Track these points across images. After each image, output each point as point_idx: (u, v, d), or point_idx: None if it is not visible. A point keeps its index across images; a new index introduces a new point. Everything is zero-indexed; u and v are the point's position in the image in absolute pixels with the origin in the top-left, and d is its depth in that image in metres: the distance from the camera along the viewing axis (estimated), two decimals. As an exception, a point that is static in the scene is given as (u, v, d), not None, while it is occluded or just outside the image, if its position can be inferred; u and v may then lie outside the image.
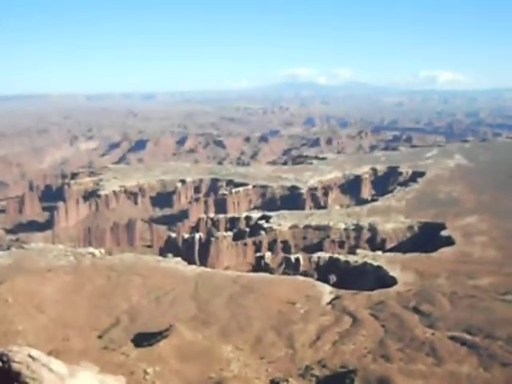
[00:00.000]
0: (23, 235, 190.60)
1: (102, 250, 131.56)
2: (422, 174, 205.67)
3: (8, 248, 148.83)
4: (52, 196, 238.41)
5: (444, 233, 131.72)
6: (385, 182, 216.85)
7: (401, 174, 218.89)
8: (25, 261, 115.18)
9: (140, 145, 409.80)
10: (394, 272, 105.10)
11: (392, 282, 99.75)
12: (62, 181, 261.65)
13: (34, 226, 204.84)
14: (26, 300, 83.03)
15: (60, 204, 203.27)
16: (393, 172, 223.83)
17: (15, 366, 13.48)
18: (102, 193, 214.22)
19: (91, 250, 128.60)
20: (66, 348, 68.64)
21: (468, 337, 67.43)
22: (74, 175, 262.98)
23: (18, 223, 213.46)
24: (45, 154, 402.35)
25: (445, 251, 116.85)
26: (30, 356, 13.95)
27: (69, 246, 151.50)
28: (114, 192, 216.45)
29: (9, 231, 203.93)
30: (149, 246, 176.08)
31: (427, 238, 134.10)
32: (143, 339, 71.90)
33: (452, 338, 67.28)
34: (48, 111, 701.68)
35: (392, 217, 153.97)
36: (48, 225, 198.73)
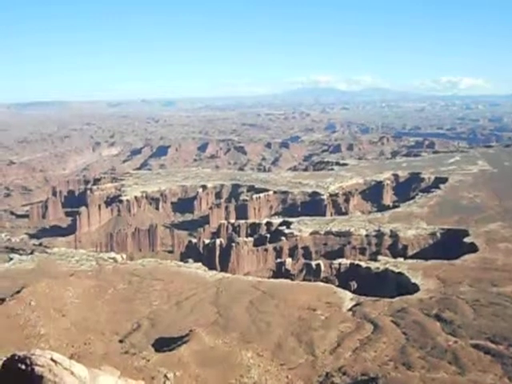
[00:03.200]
0: (46, 240, 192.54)
1: (124, 255, 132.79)
2: (444, 180, 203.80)
3: (31, 252, 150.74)
4: (75, 201, 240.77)
5: (467, 239, 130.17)
6: (407, 188, 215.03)
7: (423, 180, 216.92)
8: (48, 265, 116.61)
9: (161, 151, 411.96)
10: (415, 279, 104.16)
11: (414, 289, 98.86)
12: (84, 186, 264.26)
13: (56, 231, 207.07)
14: (49, 304, 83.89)
15: (82, 209, 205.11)
16: (415, 178, 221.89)
17: (38, 370, 13.61)
18: (123, 198, 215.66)
19: (113, 254, 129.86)
20: (88, 352, 69.21)
21: (492, 345, 66.49)
22: (96, 181, 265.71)
23: (42, 228, 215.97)
24: (67, 159, 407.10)
25: (468, 258, 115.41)
26: (52, 360, 14.05)
27: (91, 250, 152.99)
28: (136, 197, 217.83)
29: (32, 236, 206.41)
30: (170, 252, 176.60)
31: (450, 245, 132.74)
32: (164, 344, 72.21)
33: (475, 347, 66.41)
34: (70, 118, 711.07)
35: (414, 223, 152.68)
36: (71, 230, 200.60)
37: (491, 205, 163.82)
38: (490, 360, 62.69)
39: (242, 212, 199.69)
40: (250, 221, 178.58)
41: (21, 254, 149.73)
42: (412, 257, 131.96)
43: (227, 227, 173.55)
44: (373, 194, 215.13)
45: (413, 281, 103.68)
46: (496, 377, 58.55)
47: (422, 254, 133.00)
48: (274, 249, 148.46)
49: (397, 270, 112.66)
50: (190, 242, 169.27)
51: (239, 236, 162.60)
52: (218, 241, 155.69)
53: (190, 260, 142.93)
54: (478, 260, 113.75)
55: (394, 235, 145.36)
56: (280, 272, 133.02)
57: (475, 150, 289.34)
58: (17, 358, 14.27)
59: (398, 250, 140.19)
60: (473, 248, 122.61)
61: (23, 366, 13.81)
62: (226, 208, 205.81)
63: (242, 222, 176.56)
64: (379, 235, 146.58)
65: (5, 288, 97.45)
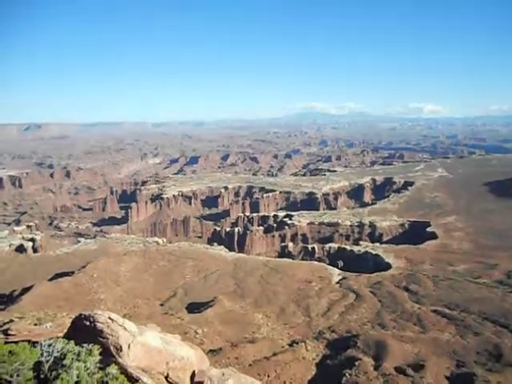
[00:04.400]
0: (105, 228, 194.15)
1: (164, 240, 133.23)
2: (411, 184, 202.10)
3: (94, 237, 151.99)
4: (127, 198, 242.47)
5: (429, 229, 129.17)
6: (382, 190, 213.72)
7: (395, 183, 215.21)
8: (106, 246, 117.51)
9: (193, 160, 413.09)
10: (388, 259, 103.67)
11: (387, 266, 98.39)
12: (134, 187, 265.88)
13: (113, 221, 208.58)
14: (107, 276, 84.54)
15: (133, 204, 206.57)
16: (388, 182, 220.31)
17: (99, 326, 13.78)
18: (164, 196, 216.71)
19: (156, 239, 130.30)
20: (136, 313, 69.61)
21: (447, 311, 65.99)
22: (143, 183, 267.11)
23: (102, 218, 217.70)
24: (122, 166, 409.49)
25: (429, 243, 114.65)
26: (109, 318, 14.19)
27: (139, 236, 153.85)
28: (174, 196, 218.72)
29: (95, 224, 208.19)
30: (199, 237, 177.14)
31: (415, 233, 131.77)
32: (194, 307, 72.42)
33: (434, 312, 65.95)
34: (124, 135, 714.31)
35: (388, 216, 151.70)
36: (124, 220, 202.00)
37: (448, 203, 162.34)
38: (446, 322, 62.17)
39: (255, 207, 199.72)
40: (261, 214, 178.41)
41: (86, 238, 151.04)
42: (386, 242, 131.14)
43: (243, 219, 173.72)
44: (356, 193, 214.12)
45: (386, 260, 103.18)
46: (450, 335, 58.08)
47: (394, 240, 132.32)
48: (279, 235, 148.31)
49: (374, 252, 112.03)
50: (214, 229, 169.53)
51: (252, 225, 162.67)
52: (236, 229, 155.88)
53: (215, 243, 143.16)
54: (437, 245, 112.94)
55: (372, 225, 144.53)
56: (284, 253, 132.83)
57: (436, 161, 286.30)
58: (83, 316, 14.40)
59: (375, 236, 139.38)
60: (433, 236, 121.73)
61: (87, 323, 13.94)
62: (243, 204, 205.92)
63: (254, 214, 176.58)
64: (361, 225, 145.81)
65: (74, 263, 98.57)
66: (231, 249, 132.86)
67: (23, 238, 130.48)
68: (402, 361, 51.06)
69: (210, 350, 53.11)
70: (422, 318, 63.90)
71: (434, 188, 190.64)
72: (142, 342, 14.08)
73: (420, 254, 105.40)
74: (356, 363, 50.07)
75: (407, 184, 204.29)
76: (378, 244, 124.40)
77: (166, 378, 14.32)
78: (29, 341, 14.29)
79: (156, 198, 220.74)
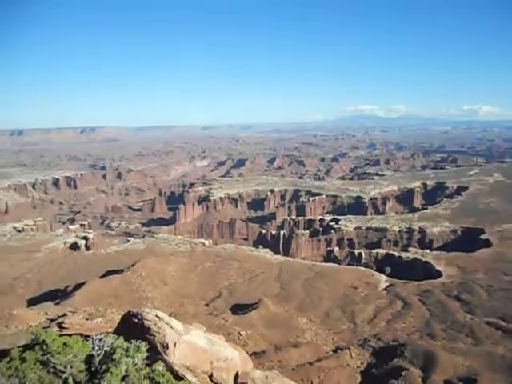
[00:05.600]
0: (154, 228, 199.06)
1: (210, 241, 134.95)
2: (465, 189, 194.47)
3: (143, 237, 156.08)
4: (175, 200, 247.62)
5: (483, 236, 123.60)
6: (433, 195, 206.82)
7: (447, 188, 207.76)
8: (154, 246, 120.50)
9: (240, 163, 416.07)
10: (439, 267, 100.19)
11: (437, 274, 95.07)
12: (182, 189, 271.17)
13: (161, 222, 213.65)
14: (155, 275, 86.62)
15: (181, 206, 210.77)
16: (440, 187, 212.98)
17: (146, 323, 14.27)
18: (211, 198, 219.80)
19: (202, 240, 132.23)
20: (182, 312, 70.83)
21: (503, 323, 62.83)
22: (191, 185, 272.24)
23: (151, 219, 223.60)
24: (170, 169, 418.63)
25: (483, 251, 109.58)
26: (156, 316, 14.67)
27: (186, 237, 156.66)
28: (220, 198, 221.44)
29: (144, 225, 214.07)
30: (245, 239, 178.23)
31: (468, 241, 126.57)
32: (238, 309, 72.85)
33: (488, 323, 63.02)
34: (173, 138, 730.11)
35: (439, 222, 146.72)
36: (172, 221, 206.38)
37: (504, 209, 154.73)
38: (501, 335, 59.25)
39: (301, 210, 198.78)
40: (307, 217, 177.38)
41: (135, 238, 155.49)
42: (436, 249, 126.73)
43: (289, 222, 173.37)
44: (405, 198, 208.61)
45: (437, 268, 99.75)
46: (505, 348, 55.23)
47: (445, 247, 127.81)
48: (325, 240, 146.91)
49: (424, 259, 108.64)
50: (260, 232, 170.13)
51: (298, 229, 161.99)
52: (282, 232, 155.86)
53: (260, 246, 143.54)
54: (491, 253, 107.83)
55: (422, 231, 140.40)
56: (329, 258, 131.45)
57: (491, 165, 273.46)
58: (131, 313, 14.91)
59: (425, 243, 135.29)
60: (487, 243, 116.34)
61: (136, 320, 14.43)
62: (289, 207, 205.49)
63: (300, 218, 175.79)
64: (410, 231, 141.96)
65: (123, 262, 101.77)
66: (276, 252, 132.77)
67: (77, 236, 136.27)
68: (452, 374, 49.15)
69: (254, 353, 53.28)
70: (475, 329, 61.26)
71: (489, 193, 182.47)
72: (188, 341, 14.40)
73: (473, 262, 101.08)
74: (403, 373, 48.69)
75: (460, 189, 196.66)
76: (427, 251, 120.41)
77: (210, 377, 14.56)
78: (81, 334, 14.97)
79: (203, 199, 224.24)
